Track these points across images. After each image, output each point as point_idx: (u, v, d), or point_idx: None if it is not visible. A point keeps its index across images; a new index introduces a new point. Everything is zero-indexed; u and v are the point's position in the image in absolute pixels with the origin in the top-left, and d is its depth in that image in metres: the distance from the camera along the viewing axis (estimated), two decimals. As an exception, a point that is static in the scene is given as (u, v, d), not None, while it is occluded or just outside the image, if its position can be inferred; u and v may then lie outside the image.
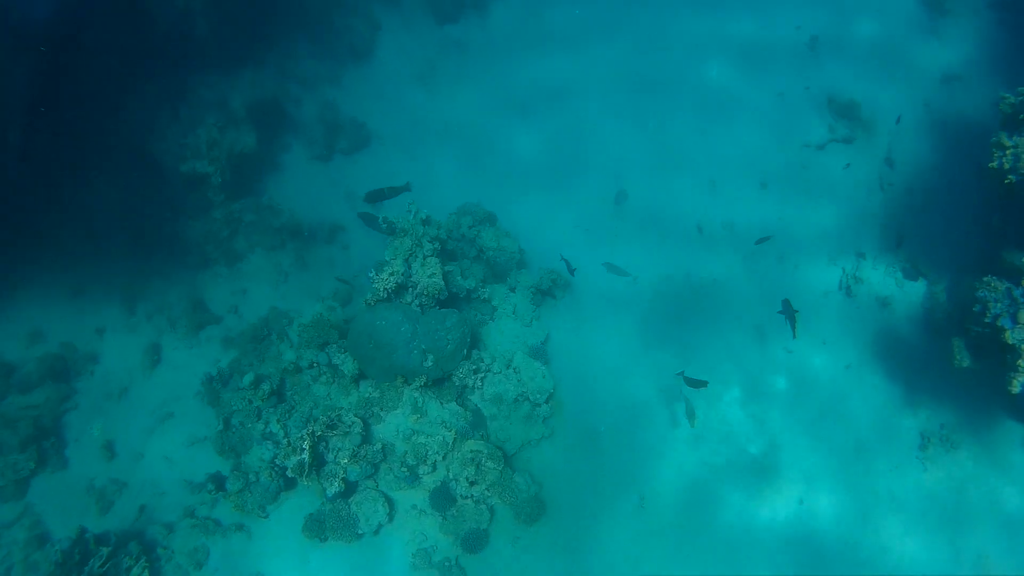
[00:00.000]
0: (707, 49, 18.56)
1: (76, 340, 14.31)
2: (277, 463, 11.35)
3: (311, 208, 15.97)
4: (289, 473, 11.23)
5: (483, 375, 12.37)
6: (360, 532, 11.37)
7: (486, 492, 11.35)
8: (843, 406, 13.07)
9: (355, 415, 11.59)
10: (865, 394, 13.15)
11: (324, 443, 11.32)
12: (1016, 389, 10.65)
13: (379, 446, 11.58)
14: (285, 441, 11.27)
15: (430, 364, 11.77)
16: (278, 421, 12.11)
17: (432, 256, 12.35)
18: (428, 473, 11.59)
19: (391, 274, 11.81)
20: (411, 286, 12.14)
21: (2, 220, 13.87)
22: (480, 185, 16.48)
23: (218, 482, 12.03)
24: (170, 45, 15.98)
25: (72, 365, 14.04)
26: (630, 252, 15.11)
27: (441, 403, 12.02)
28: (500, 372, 12.44)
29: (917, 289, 14.00)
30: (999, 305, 10.91)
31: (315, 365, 12.47)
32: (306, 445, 10.91)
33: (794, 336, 12.17)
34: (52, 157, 14.61)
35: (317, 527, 11.36)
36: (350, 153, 17.39)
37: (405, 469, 11.35)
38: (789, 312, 11.97)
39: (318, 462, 11.26)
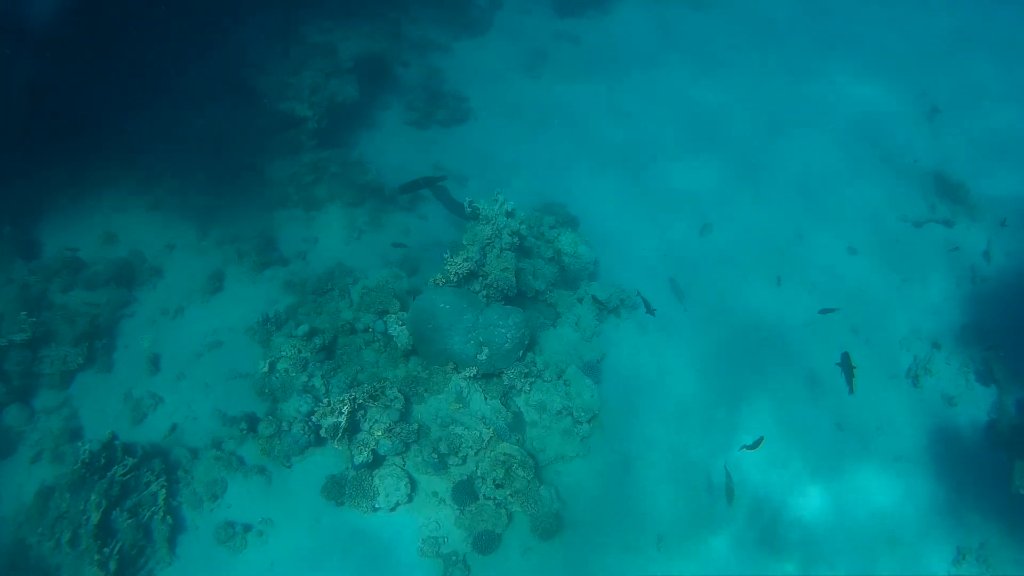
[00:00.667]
0: (823, 99, 18.12)
1: (146, 250, 14.55)
2: (313, 420, 11.35)
3: (398, 172, 15.92)
4: (322, 433, 11.24)
5: (532, 380, 12.24)
6: (377, 506, 11.34)
7: (509, 497, 11.23)
8: (885, 498, 12.67)
9: (399, 390, 11.54)
10: (910, 491, 12.74)
11: (362, 411, 11.29)
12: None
13: (415, 426, 11.52)
14: (325, 401, 11.24)
15: (484, 358, 11.68)
16: (322, 377, 12.13)
17: (509, 250, 12.23)
18: (457, 465, 11.51)
19: (465, 260, 11.73)
20: (482, 275, 12.05)
21: (95, 123, 14.13)
22: (567, 184, 16.33)
23: (251, 423, 12.10)
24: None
25: (137, 274, 14.28)
26: (704, 287, 14.83)
27: (485, 397, 11.92)
28: (550, 381, 12.29)
29: (987, 395, 13.52)
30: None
31: (370, 330, 12.45)
32: (345, 410, 10.89)
33: (850, 391, 11.73)
34: (152, 70, 14.82)
35: (336, 490, 11.37)
36: (447, 125, 17.33)
37: (436, 455, 11.29)
38: (847, 366, 11.66)
39: (352, 428, 11.25)
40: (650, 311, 12.72)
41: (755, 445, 11.73)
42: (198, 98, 15.54)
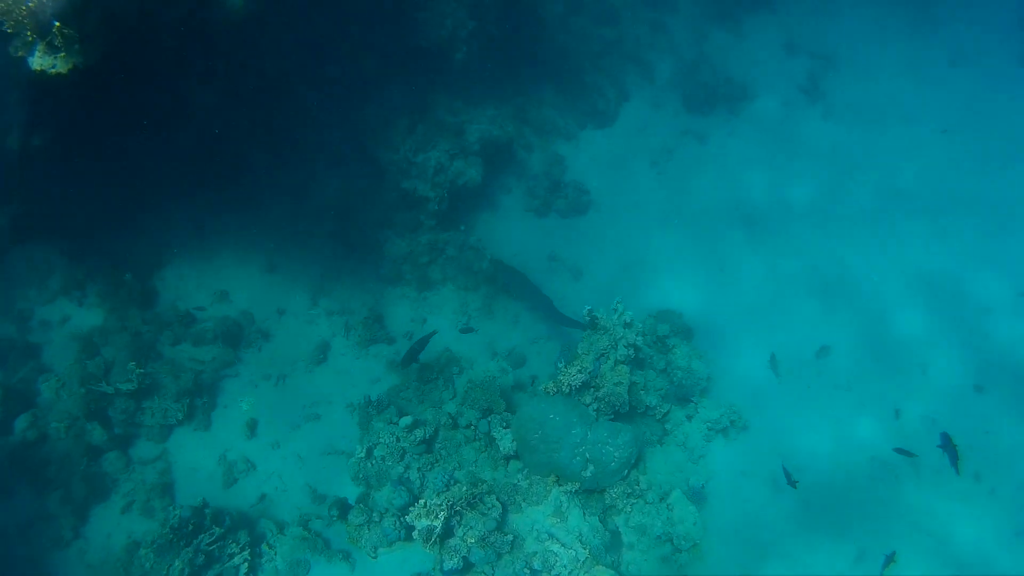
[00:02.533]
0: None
1: (256, 312, 14.64)
2: (407, 519, 11.00)
3: (513, 259, 15.73)
4: (415, 535, 10.87)
5: (634, 500, 11.68)
6: (462, 613, 10.90)
7: (600, 624, 10.64)
8: None
9: (498, 499, 11.13)
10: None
11: (458, 516, 10.90)
12: None
13: (510, 537, 11.06)
14: (422, 502, 10.89)
15: (589, 475, 11.21)
16: (419, 470, 11.86)
17: (624, 363, 11.81)
18: (549, 584, 10.99)
19: (580, 371, 11.36)
20: (594, 387, 11.64)
21: (226, 180, 14.41)
22: (683, 288, 15.82)
23: (342, 509, 11.88)
24: (428, 62, 16.29)
25: (245, 335, 14.35)
26: (815, 413, 14.06)
27: (584, 514, 11.39)
28: (652, 503, 11.71)
29: None
30: None
31: (472, 427, 12.13)
32: (442, 516, 10.52)
33: (957, 473, 11.13)
34: (288, 134, 15.11)
35: (421, 591, 11.00)
36: (566, 215, 17.11)
37: (528, 571, 10.79)
38: (949, 447, 11.12)
39: (446, 532, 10.86)
40: (791, 483, 11.76)
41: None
42: (325, 166, 15.74)
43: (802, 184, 18.54)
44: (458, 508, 10.80)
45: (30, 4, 7.89)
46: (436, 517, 10.56)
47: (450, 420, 12.24)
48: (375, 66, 16.02)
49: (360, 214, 15.56)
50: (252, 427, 13.31)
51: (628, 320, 12.24)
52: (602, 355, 11.83)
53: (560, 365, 11.77)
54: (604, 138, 19.18)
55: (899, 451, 12.68)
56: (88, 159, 13.13)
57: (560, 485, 11.41)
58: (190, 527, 11.36)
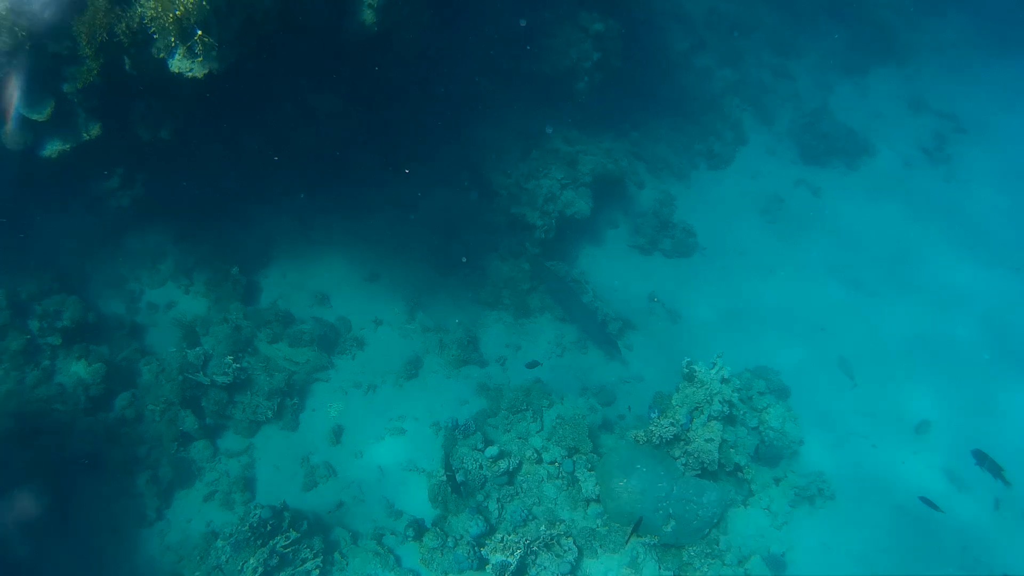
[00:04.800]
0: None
1: (353, 319, 14.75)
2: (482, 552, 10.89)
3: (612, 293, 15.55)
4: (488, 568, 10.76)
5: (712, 561, 11.33)
6: (525, 652, 10.73)
7: None
8: None
9: (575, 542, 10.93)
10: None
11: (533, 556, 10.74)
12: None
13: (583, 582, 10.88)
14: (499, 536, 10.77)
15: (669, 530, 10.95)
16: (498, 500, 11.74)
17: (717, 420, 11.49)
18: (617, 635, 10.75)
19: (672, 424, 11.12)
20: (683, 440, 11.36)
21: (338, 185, 14.62)
22: (783, 346, 15.35)
23: (418, 530, 11.83)
24: (550, 89, 16.28)
25: (340, 341, 14.45)
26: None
27: (659, 567, 11.13)
28: (730, 565, 11.37)
29: None
30: None
31: (556, 464, 11.97)
32: (518, 554, 10.39)
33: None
34: (403, 145, 15.28)
35: (487, 623, 10.87)
36: (671, 256, 16.87)
37: (597, 620, 10.58)
38: (991, 465, 11.03)
39: (520, 570, 10.72)
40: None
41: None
42: (435, 181, 15.84)
43: (917, 248, 17.85)
44: (534, 548, 10.64)
45: (177, 12, 8.14)
46: (512, 554, 10.44)
47: (535, 455, 12.11)
48: (493, 88, 16.11)
49: (465, 233, 15.61)
50: (337, 433, 13.39)
51: (726, 376, 11.93)
52: (696, 409, 11.53)
53: (653, 415, 11.53)
54: (716, 181, 18.88)
55: (924, 501, 11.96)
56: (209, 152, 13.51)
57: (639, 536, 11.14)
58: (268, 527, 11.46)
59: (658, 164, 18.38)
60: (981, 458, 11.10)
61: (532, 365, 13.48)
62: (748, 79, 21.24)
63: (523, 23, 15.69)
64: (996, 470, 11.04)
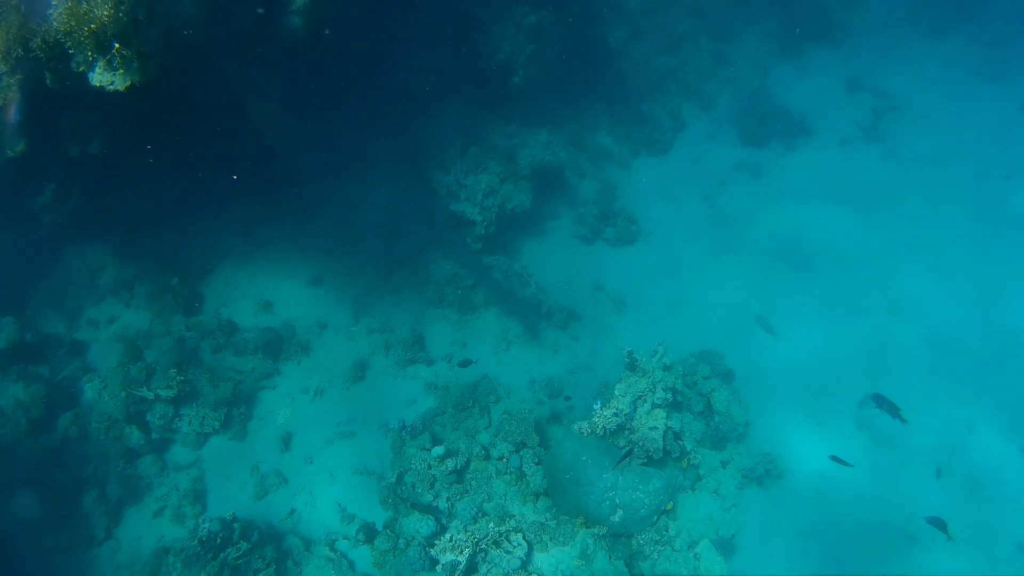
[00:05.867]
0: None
1: (298, 325, 14.71)
2: (432, 552, 10.94)
3: (557, 285, 15.63)
4: (439, 568, 10.81)
5: (662, 548, 11.48)
6: (478, 649, 10.80)
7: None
8: None
9: (524, 537, 11.01)
10: None
11: (483, 553, 10.81)
12: None
13: (534, 576, 10.95)
14: (448, 536, 10.82)
15: (617, 520, 11.07)
16: (448, 499, 11.77)
17: (661, 408, 11.61)
18: (570, 628, 10.85)
19: (615, 414, 11.21)
20: (628, 430, 11.46)
21: (276, 190, 14.52)
22: (727, 331, 15.50)
23: (369, 534, 11.86)
24: (485, 85, 16.26)
25: (286, 347, 14.39)
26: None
27: (610, 557, 11.20)
28: (680, 551, 11.51)
29: None
30: None
31: (504, 459, 12.03)
32: (467, 552, 10.44)
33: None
34: (345, 148, 15.19)
35: (441, 622, 10.91)
36: (614, 244, 16.96)
37: (549, 613, 10.67)
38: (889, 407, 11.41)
39: (470, 568, 10.77)
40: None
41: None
42: (375, 183, 15.77)
43: (857, 226, 18.08)
44: (483, 545, 10.70)
45: (91, 26, 8.01)
46: (461, 552, 10.49)
47: (483, 451, 12.16)
48: (431, 86, 16.06)
49: (408, 233, 15.58)
50: (287, 440, 13.36)
51: (668, 363, 12.06)
52: (639, 398, 11.64)
53: (596, 406, 11.60)
54: (657, 167, 19.00)
55: (834, 459, 12.08)
56: (144, 163, 13.33)
57: (588, 527, 11.25)
58: (218, 540, 11.40)
59: (599, 154, 18.47)
60: (880, 400, 11.45)
61: (464, 364, 13.39)
62: (686, 65, 21.34)
63: (458, 20, 15.67)
64: (894, 410, 11.39)
